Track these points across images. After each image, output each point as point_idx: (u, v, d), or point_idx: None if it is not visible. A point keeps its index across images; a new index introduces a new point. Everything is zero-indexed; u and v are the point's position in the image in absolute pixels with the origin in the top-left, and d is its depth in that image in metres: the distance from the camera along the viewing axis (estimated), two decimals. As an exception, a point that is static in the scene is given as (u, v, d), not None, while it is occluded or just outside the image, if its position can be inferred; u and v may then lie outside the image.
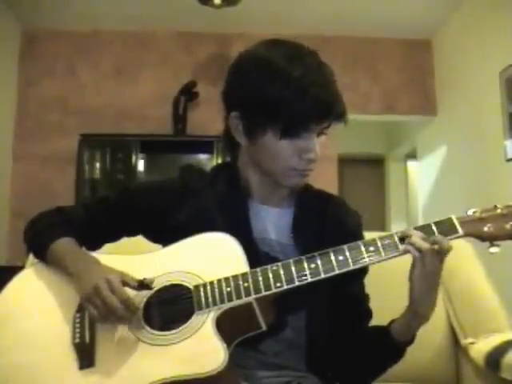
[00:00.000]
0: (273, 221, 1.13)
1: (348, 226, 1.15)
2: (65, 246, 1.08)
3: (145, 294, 1.00)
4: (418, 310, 0.98)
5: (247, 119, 1.05)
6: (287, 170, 1.06)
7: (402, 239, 0.96)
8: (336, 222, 1.14)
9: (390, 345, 1.03)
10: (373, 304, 1.16)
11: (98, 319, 0.97)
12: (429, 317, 0.99)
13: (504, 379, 1.27)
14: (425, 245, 0.94)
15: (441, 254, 0.94)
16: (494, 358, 1.31)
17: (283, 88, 0.98)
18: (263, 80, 1.00)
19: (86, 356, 0.96)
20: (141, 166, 4.17)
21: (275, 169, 1.07)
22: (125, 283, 0.97)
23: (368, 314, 1.16)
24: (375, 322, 1.14)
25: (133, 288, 0.98)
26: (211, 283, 0.97)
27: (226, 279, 0.96)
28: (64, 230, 1.11)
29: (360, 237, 1.12)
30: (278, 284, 0.95)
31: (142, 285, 0.98)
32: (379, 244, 0.96)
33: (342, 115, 1.04)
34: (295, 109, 0.98)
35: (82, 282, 1.00)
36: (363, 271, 1.14)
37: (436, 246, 0.93)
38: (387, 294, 1.33)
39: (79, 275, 1.01)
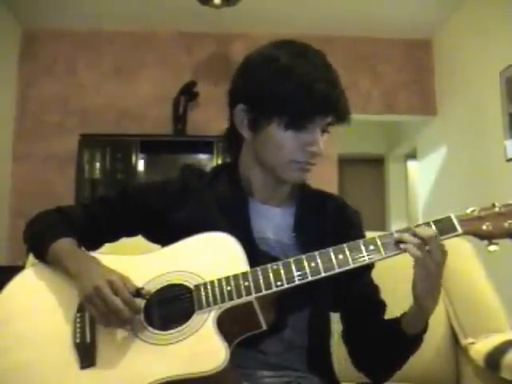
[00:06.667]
0: (274, 220, 1.13)
1: (349, 224, 1.16)
2: (65, 246, 1.08)
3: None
4: (422, 305, 1.00)
5: (253, 111, 1.06)
6: (289, 163, 1.06)
7: (398, 243, 0.96)
8: (337, 221, 1.15)
9: (402, 335, 1.05)
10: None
11: (98, 320, 0.97)
12: (433, 311, 1.02)
13: (504, 379, 1.27)
14: (418, 252, 0.94)
15: (436, 255, 0.94)
16: (494, 358, 1.31)
17: (288, 83, 1.01)
18: (269, 75, 1.03)
19: (86, 356, 0.96)
20: (141, 166, 4.17)
21: (278, 161, 1.07)
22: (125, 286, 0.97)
23: (381, 305, 1.16)
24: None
25: (130, 294, 0.97)
26: (212, 282, 0.97)
27: (227, 278, 0.96)
28: (64, 230, 1.11)
29: (361, 233, 1.14)
30: (279, 283, 0.95)
31: (139, 293, 0.97)
32: (379, 243, 0.96)
33: (346, 113, 1.06)
34: (301, 102, 1.00)
35: (82, 282, 0.99)
36: (369, 266, 1.14)
37: (427, 247, 0.94)
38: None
39: (80, 276, 1.01)
